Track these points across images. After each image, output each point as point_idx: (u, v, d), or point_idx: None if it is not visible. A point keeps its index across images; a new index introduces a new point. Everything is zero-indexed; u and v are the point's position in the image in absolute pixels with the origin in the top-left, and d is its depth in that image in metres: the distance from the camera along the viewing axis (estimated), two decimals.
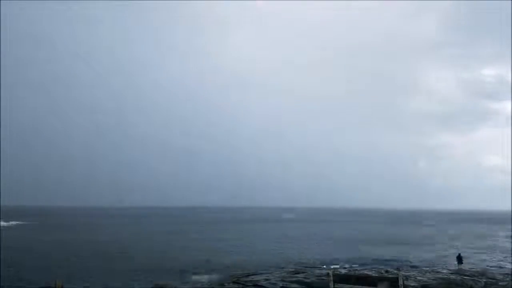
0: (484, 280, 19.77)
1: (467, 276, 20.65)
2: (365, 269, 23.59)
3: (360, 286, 13.34)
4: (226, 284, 19.49)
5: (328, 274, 14.45)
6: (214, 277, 22.34)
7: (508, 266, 27.91)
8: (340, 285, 13.70)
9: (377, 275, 18.75)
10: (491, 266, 27.39)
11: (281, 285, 18.82)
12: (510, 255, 34.15)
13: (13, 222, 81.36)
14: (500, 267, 27.15)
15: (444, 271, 23.03)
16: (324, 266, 25.62)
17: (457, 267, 23.96)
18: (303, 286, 18.74)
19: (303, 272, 22.12)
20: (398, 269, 22.43)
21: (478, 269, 23.87)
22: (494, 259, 32.28)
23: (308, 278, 19.87)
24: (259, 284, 19.10)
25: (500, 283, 19.37)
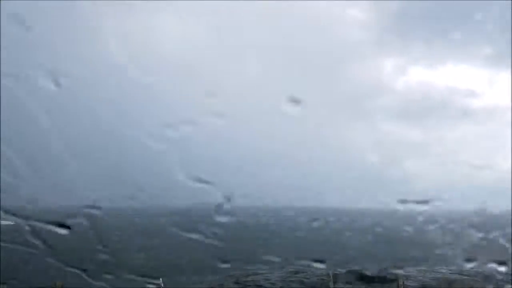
0: (484, 280, 19.81)
1: (467, 276, 20.68)
2: (365, 269, 23.60)
3: (360, 286, 13.37)
4: (226, 284, 19.48)
5: (328, 274, 14.49)
6: (214, 277, 22.34)
7: (508, 266, 27.89)
8: (340, 285, 13.73)
9: (377, 275, 18.77)
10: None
11: (281, 285, 18.83)
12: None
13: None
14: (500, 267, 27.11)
15: (444, 271, 23.03)
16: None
17: None
18: (303, 286, 18.74)
19: (303, 272, 22.11)
20: (398, 269, 22.44)
21: (478, 269, 23.87)
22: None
23: (308, 278, 19.88)
24: (259, 284, 19.12)
25: (500, 283, 19.38)
